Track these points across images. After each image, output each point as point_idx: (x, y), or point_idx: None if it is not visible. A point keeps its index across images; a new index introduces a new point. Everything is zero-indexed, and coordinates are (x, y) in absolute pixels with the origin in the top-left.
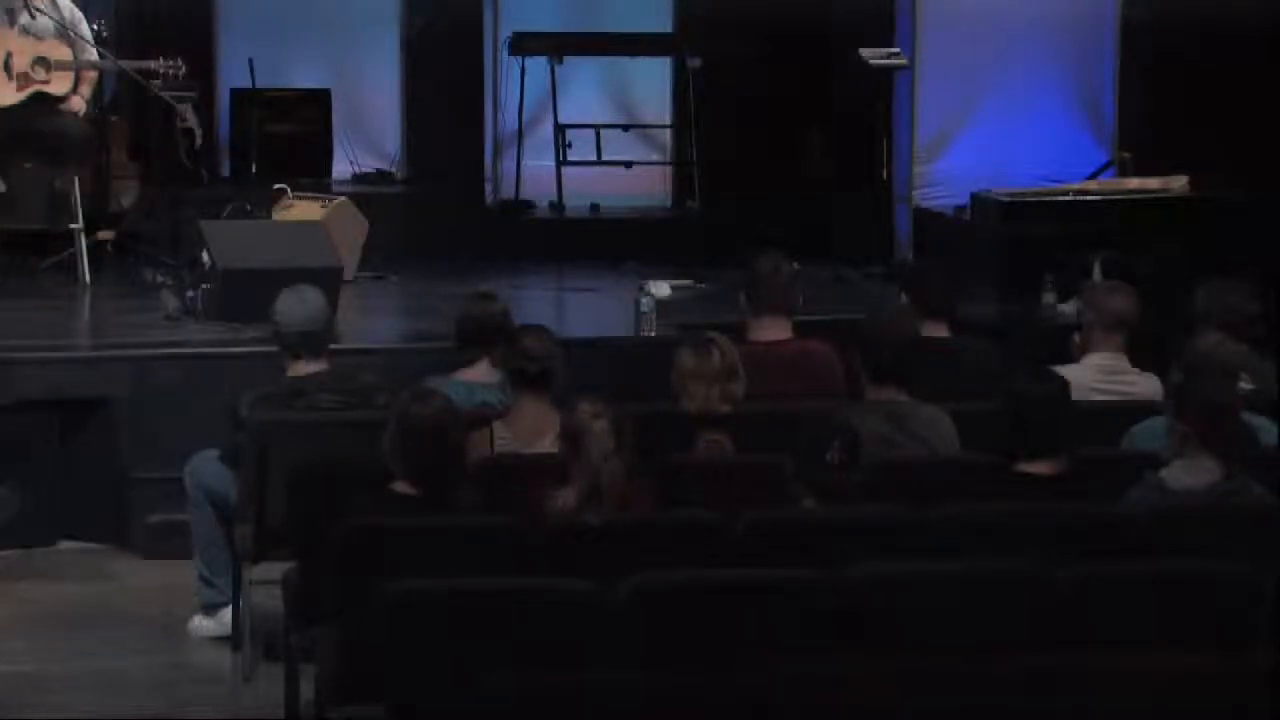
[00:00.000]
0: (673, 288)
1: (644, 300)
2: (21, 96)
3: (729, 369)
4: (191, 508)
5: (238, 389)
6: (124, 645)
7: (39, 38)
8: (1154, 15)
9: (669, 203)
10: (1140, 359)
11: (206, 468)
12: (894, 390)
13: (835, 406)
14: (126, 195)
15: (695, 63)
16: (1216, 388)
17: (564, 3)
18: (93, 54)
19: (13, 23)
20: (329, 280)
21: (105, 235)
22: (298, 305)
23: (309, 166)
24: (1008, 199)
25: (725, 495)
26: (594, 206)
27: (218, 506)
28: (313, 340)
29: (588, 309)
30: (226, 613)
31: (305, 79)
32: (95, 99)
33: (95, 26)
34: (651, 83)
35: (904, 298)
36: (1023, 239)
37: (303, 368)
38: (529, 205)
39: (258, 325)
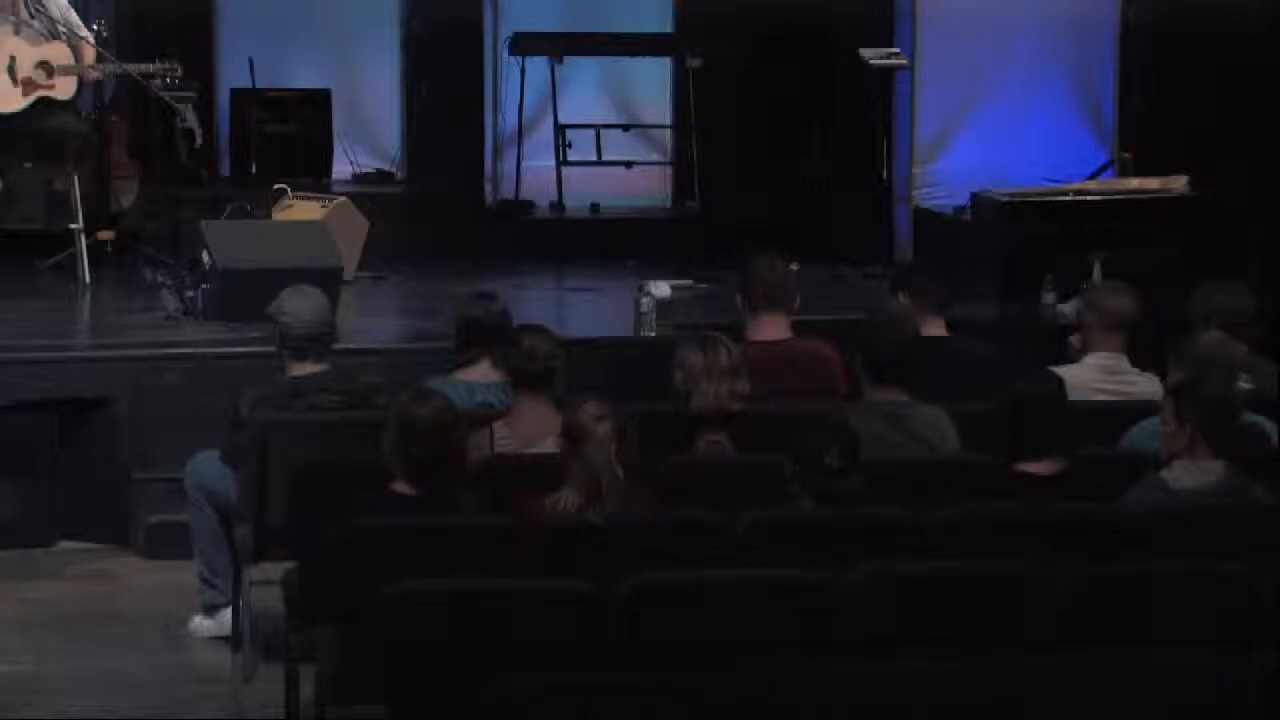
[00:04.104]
0: (673, 288)
1: (644, 300)
2: (26, 103)
3: (736, 367)
4: (191, 508)
5: (238, 389)
6: (124, 645)
7: (37, 40)
8: (1154, 15)
9: (669, 203)
10: (1140, 359)
11: (206, 468)
12: (894, 390)
13: (834, 407)
14: (126, 195)
15: (695, 63)
16: (1217, 388)
17: (564, 3)
18: (88, 50)
19: (16, 29)
20: (329, 280)
21: (105, 235)
22: (307, 307)
23: (309, 166)
24: (1008, 199)
25: (725, 495)
26: (594, 206)
27: (218, 507)
28: (320, 341)
29: (588, 309)
30: (226, 613)
31: (305, 79)
32: (95, 99)
33: (95, 27)
34: (651, 83)
35: (901, 297)
36: (1023, 239)
37: (303, 368)
38: (529, 205)
39: (258, 325)
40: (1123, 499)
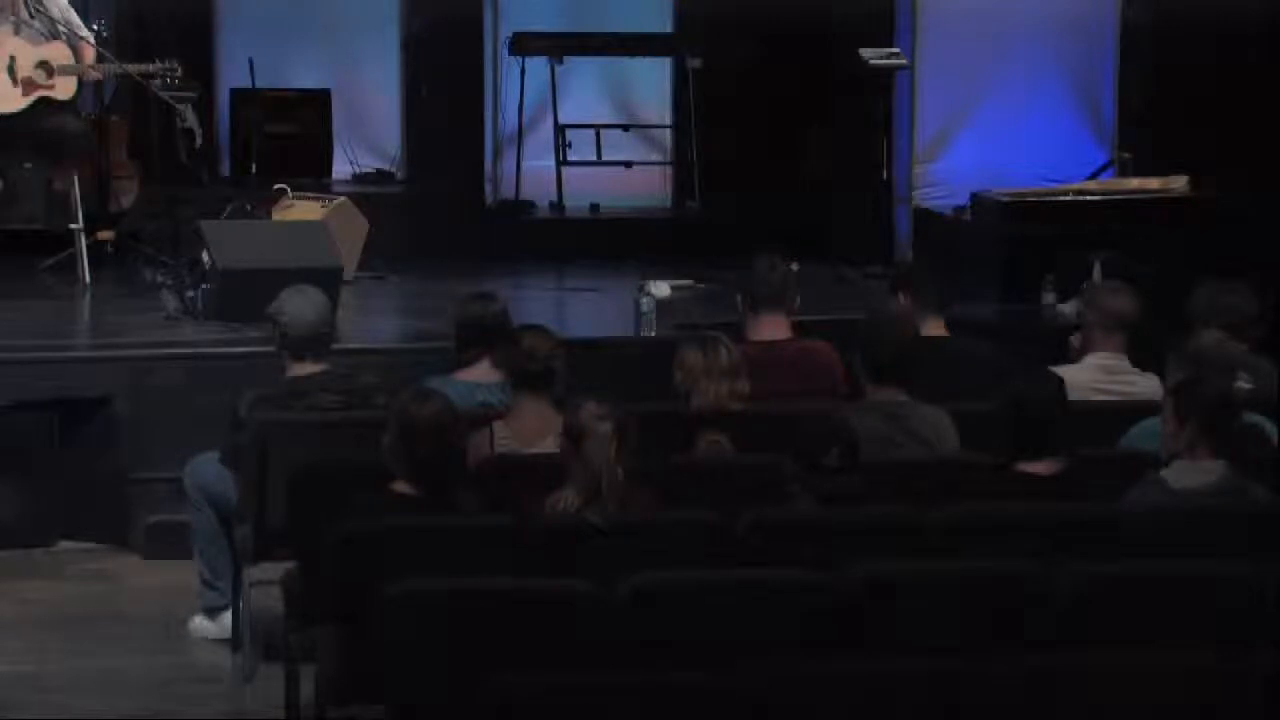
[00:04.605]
0: (673, 288)
1: (644, 300)
2: (26, 103)
3: (736, 367)
4: (191, 509)
5: (238, 389)
6: (124, 645)
7: (37, 40)
8: (1154, 15)
9: (669, 203)
10: (1140, 359)
11: (206, 468)
12: (894, 390)
13: (834, 407)
14: (126, 195)
15: (695, 63)
16: (1217, 388)
17: (564, 3)
18: (88, 50)
19: (16, 29)
20: (329, 280)
21: (105, 235)
22: (307, 307)
23: (309, 166)
24: (1008, 199)
25: (725, 495)
26: (594, 206)
27: (218, 507)
28: (319, 341)
29: (588, 309)
30: (227, 615)
31: (305, 79)
32: (95, 99)
33: (95, 27)
34: (651, 83)
35: (901, 297)
36: (1023, 239)
37: (303, 368)
38: (529, 205)
39: (258, 325)
40: (1123, 499)
